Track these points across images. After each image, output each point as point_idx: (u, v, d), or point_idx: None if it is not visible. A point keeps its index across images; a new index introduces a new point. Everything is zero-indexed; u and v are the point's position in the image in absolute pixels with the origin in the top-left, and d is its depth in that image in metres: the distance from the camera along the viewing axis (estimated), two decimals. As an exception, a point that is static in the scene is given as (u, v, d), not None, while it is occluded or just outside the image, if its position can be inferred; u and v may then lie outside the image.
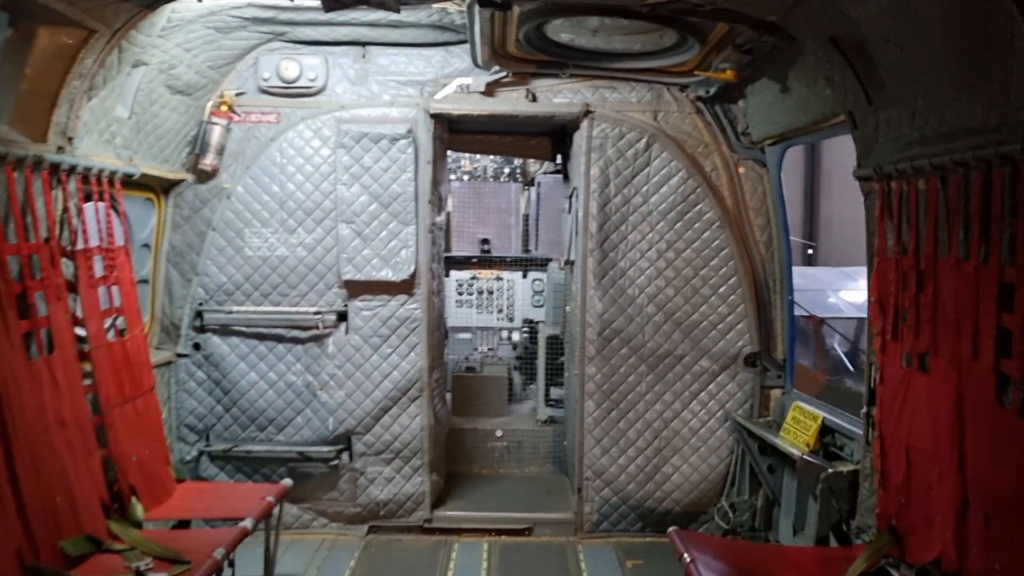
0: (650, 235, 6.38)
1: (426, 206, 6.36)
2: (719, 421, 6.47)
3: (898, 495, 4.04)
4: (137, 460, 4.90)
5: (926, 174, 3.70)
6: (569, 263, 6.96)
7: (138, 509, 4.76)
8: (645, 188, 6.37)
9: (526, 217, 9.56)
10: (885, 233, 4.13)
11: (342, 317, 6.42)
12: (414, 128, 6.27)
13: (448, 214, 9.51)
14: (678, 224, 6.37)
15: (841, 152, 18.08)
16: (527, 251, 9.74)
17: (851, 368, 14.25)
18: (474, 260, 9.51)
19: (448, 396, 8.20)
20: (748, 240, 6.39)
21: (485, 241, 9.52)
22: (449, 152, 8.80)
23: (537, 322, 9.24)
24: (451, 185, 9.41)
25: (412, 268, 6.31)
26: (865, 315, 12.24)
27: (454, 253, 9.62)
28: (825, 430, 5.42)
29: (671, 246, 6.37)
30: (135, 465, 4.87)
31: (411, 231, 6.30)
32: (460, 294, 9.62)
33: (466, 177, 9.01)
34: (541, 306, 9.53)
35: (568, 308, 7.51)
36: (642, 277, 6.40)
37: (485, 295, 9.59)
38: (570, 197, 6.90)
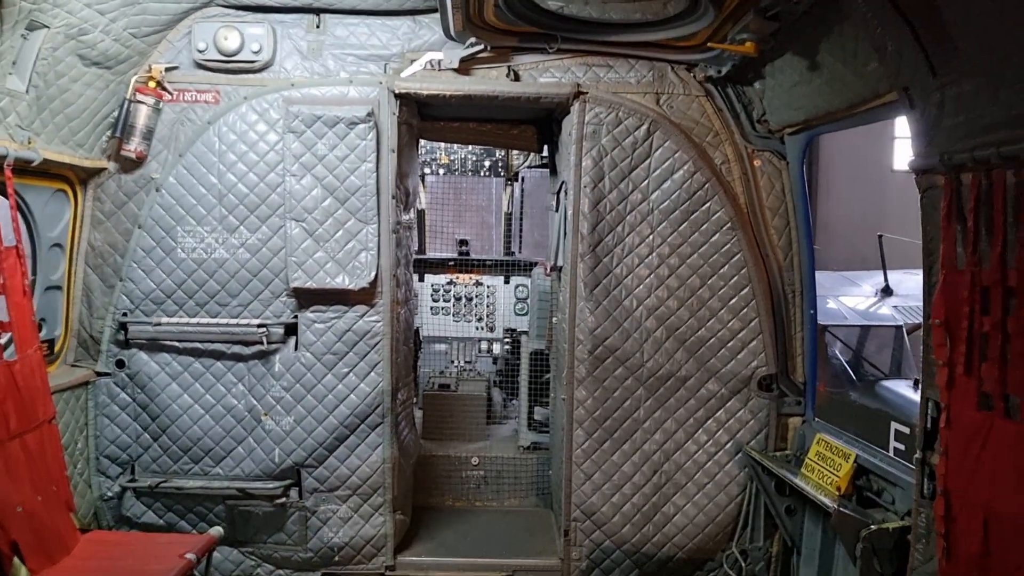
0: (650, 238, 5.56)
1: (389, 201, 5.50)
2: (729, 454, 5.65)
3: (970, 571, 3.22)
4: (24, 510, 4.03)
5: (1017, 164, 2.88)
6: (556, 269, 6.12)
7: (21, 572, 3.88)
8: (645, 183, 5.54)
9: (509, 216, 8.71)
10: (954, 239, 3.30)
11: (291, 331, 5.56)
12: (376, 111, 5.41)
13: (421, 212, 8.65)
14: (683, 225, 5.54)
15: (841, 146, 17.32)
16: (510, 253, 8.90)
17: (854, 379, 13.51)
18: (451, 263, 8.66)
19: (419, 414, 7.35)
20: (764, 244, 5.58)
21: (463, 242, 8.68)
22: (423, 142, 7.96)
23: (521, 332, 8.40)
24: (425, 179, 8.55)
25: (372, 274, 5.46)
26: (868, 323, 11.39)
27: (429, 255, 8.77)
28: (859, 468, 4.62)
29: (675, 251, 5.55)
30: (20, 517, 3.99)
31: (372, 231, 5.44)
32: (435, 301, 8.77)
33: (442, 171, 8.16)
34: (525, 314, 8.68)
35: (555, 320, 6.67)
36: (641, 287, 5.57)
37: (463, 302, 8.75)
38: (557, 193, 6.06)
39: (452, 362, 8.51)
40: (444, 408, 7.30)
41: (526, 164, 8.18)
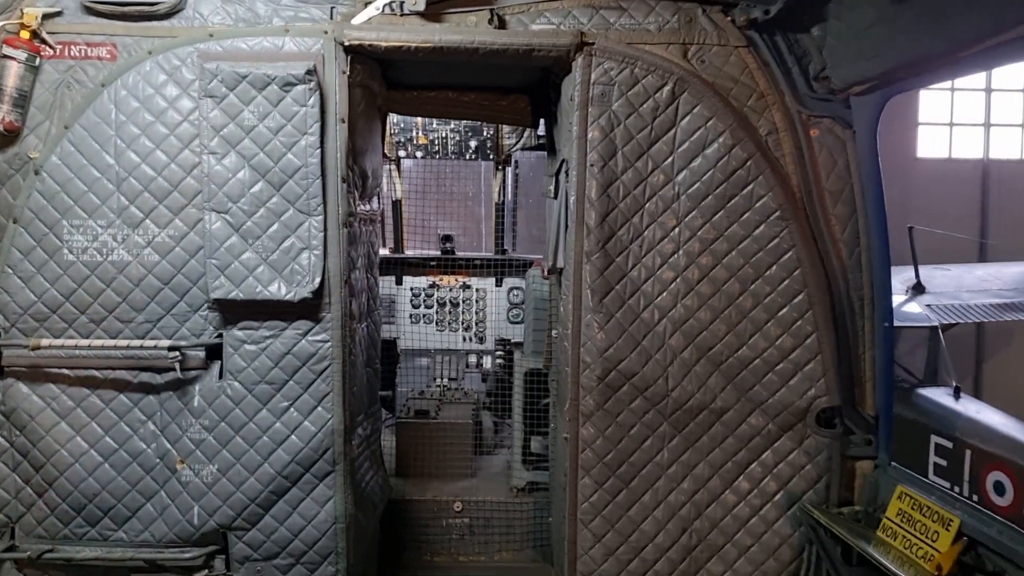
0: (676, 231, 4.36)
1: (339, 186, 4.31)
2: (779, 507, 4.45)
3: None
4: None
5: None
6: (556, 271, 4.90)
7: None
8: (669, 161, 4.34)
9: (500, 206, 7.49)
10: None
11: (214, 354, 4.38)
12: (319, 68, 4.21)
13: (396, 204, 7.44)
14: (718, 215, 4.34)
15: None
16: (502, 251, 7.69)
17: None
18: (433, 263, 7.45)
19: (392, 443, 6.15)
20: (823, 238, 4.38)
21: (447, 238, 7.47)
22: (396, 120, 6.75)
23: (516, 344, 7.20)
24: (400, 164, 7.33)
25: (317, 280, 4.27)
26: (899, 323, 10.21)
27: (407, 254, 7.57)
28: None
29: (707, 248, 4.35)
30: None
31: (316, 224, 4.25)
32: (415, 307, 7.55)
33: (419, 154, 6.97)
34: (520, 322, 7.47)
35: (555, 334, 5.47)
36: (664, 294, 4.37)
37: (448, 308, 7.54)
38: (556, 175, 4.85)
39: (435, 379, 7.30)
40: (422, 440, 6.10)
41: (519, 144, 6.95)
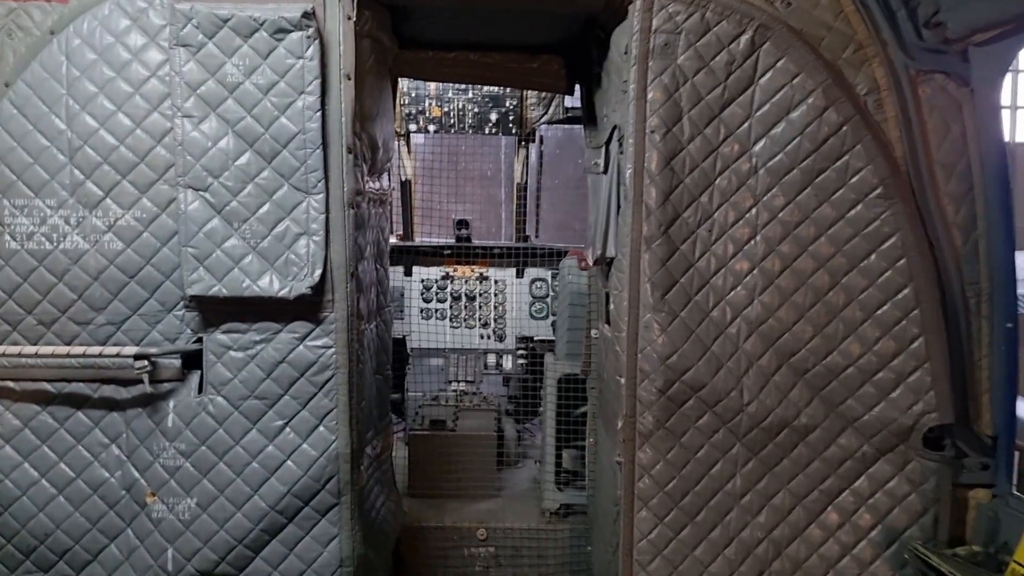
0: (753, 212, 3.60)
1: (344, 158, 3.55)
2: (876, 545, 3.70)
3: None
4: None
5: None
6: (603, 262, 4.12)
7: None
8: (745, 127, 3.58)
9: (522, 188, 6.71)
10: None
11: (192, 363, 3.63)
12: (319, 12, 3.43)
13: (405, 184, 6.66)
14: (804, 193, 3.58)
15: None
16: (523, 238, 6.93)
17: None
18: (447, 252, 6.70)
19: (402, 458, 5.42)
20: (933, 222, 3.60)
21: (463, 224, 6.72)
22: (407, 86, 5.96)
23: (539, 342, 6.46)
24: (410, 139, 6.55)
25: (317, 273, 3.51)
26: None
27: (417, 242, 6.80)
28: None
29: (791, 232, 3.60)
30: None
31: (316, 205, 3.50)
32: (427, 301, 6.82)
33: (432, 128, 6.19)
34: (544, 318, 6.74)
35: (594, 334, 4.72)
36: (739, 289, 3.62)
37: (463, 302, 6.81)
38: (605, 146, 4.06)
39: (449, 382, 6.54)
40: (438, 455, 5.35)
41: (546, 117, 6.16)
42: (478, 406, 6.01)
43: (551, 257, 6.48)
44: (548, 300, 6.82)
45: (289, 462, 3.63)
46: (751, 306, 3.64)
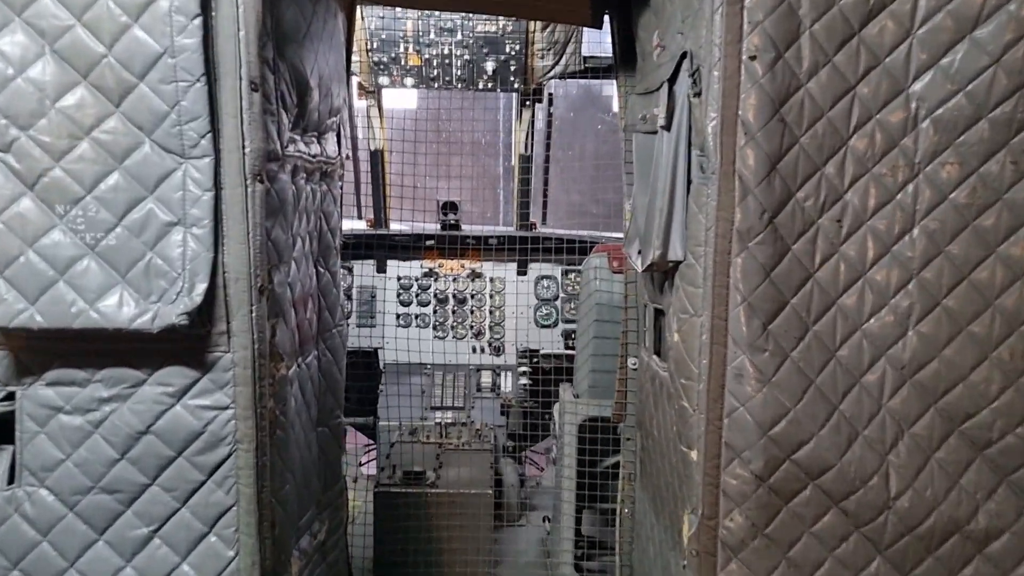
0: (910, 191, 2.27)
1: (244, 99, 2.16)
2: None
3: None
4: None
5: None
6: (665, 267, 2.67)
7: None
8: (901, 51, 2.22)
9: (526, 160, 5.31)
10: None
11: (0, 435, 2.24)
12: None
13: (376, 154, 5.25)
14: (994, 160, 2.22)
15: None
16: (526, 225, 5.54)
17: None
18: (430, 243, 5.33)
19: (365, 512, 4.09)
20: None
21: (449, 207, 5.35)
22: (374, 20, 4.56)
23: (544, 355, 5.14)
24: (381, 96, 5.14)
25: (201, 288, 2.16)
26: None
27: (392, 230, 5.43)
28: None
29: (970, 223, 2.24)
30: None
31: (196, 177, 2.14)
32: (405, 304, 5.47)
33: (410, 81, 4.78)
34: (552, 325, 5.39)
35: (632, 364, 3.37)
36: (884, 314, 2.30)
37: (451, 306, 5.46)
38: (668, 87, 2.60)
39: (432, 408, 5.17)
40: (414, 520, 3.98)
41: (557, 68, 4.75)
42: (468, 444, 4.66)
43: (562, 250, 5.10)
44: (558, 303, 5.47)
45: (159, 597, 2.27)
46: (902, 341, 2.29)
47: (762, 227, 2.22)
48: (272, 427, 2.36)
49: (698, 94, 2.32)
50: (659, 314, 2.94)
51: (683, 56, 2.43)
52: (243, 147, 2.17)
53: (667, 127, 2.53)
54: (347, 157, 3.38)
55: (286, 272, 2.48)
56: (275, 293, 2.36)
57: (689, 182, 2.43)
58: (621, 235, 4.48)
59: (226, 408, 2.24)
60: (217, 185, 2.16)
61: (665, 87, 2.55)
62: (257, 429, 2.27)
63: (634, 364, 3.38)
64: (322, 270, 3.02)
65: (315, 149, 2.80)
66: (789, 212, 2.24)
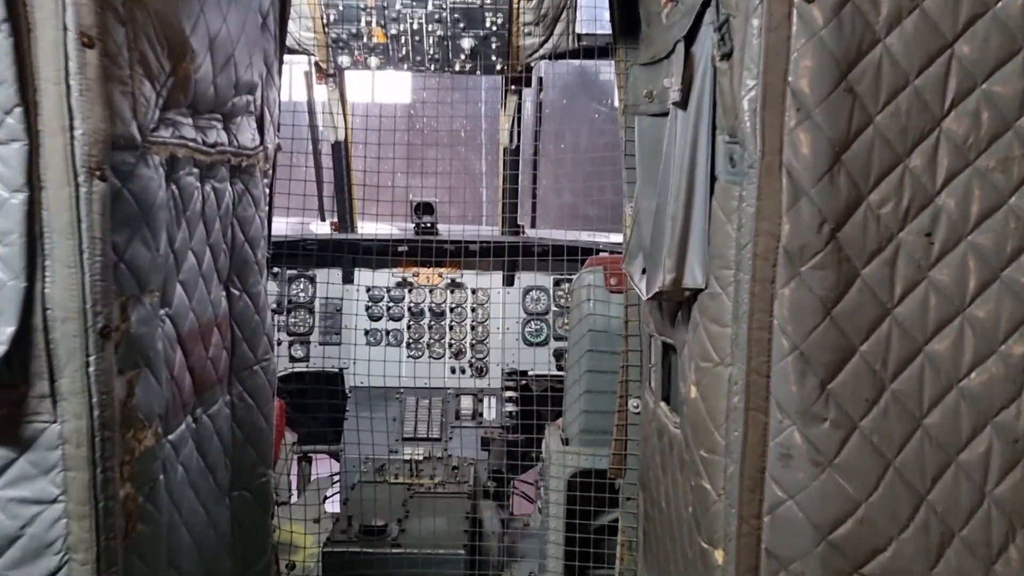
0: (1028, 192, 1.56)
1: (79, 59, 1.51)
2: None
3: None
4: None
5: None
6: (679, 295, 1.98)
7: None
8: (1019, -7, 1.53)
9: (512, 153, 4.64)
10: None
11: None
12: None
13: (338, 146, 4.59)
14: None
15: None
16: (514, 229, 4.88)
17: None
18: (402, 249, 4.67)
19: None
20: None
21: (424, 208, 4.68)
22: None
23: (534, 376, 4.52)
24: (343, 79, 4.47)
25: (7, 332, 1.46)
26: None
27: (360, 234, 4.79)
28: None
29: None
30: None
31: (0, 170, 1.44)
32: (375, 319, 4.82)
33: (375, 61, 4.07)
34: (543, 343, 4.75)
35: (633, 406, 2.70)
36: (990, 364, 1.63)
37: (426, 321, 4.81)
38: (683, 46, 1.92)
39: (400, 440, 4.51)
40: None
41: (547, 47, 4.06)
42: (443, 484, 4.00)
43: (553, 257, 4.44)
44: (549, 318, 4.81)
45: None
46: (1016, 405, 1.62)
47: (820, 244, 1.55)
48: (130, 522, 1.69)
49: (727, 55, 1.65)
50: (669, 349, 2.28)
51: (705, 4, 1.76)
52: (70, 128, 1.51)
53: (682, 104, 1.85)
54: (278, 148, 2.71)
55: (157, 303, 1.81)
56: (132, 335, 1.69)
57: (713, 179, 1.76)
58: (621, 240, 3.83)
59: (53, 502, 1.58)
60: (33, 184, 1.50)
61: (680, 49, 1.88)
62: (99, 531, 1.60)
63: (636, 407, 2.71)
64: (236, 292, 2.35)
65: (217, 137, 2.13)
66: (859, 223, 1.57)
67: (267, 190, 2.62)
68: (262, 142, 2.49)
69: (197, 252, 2.06)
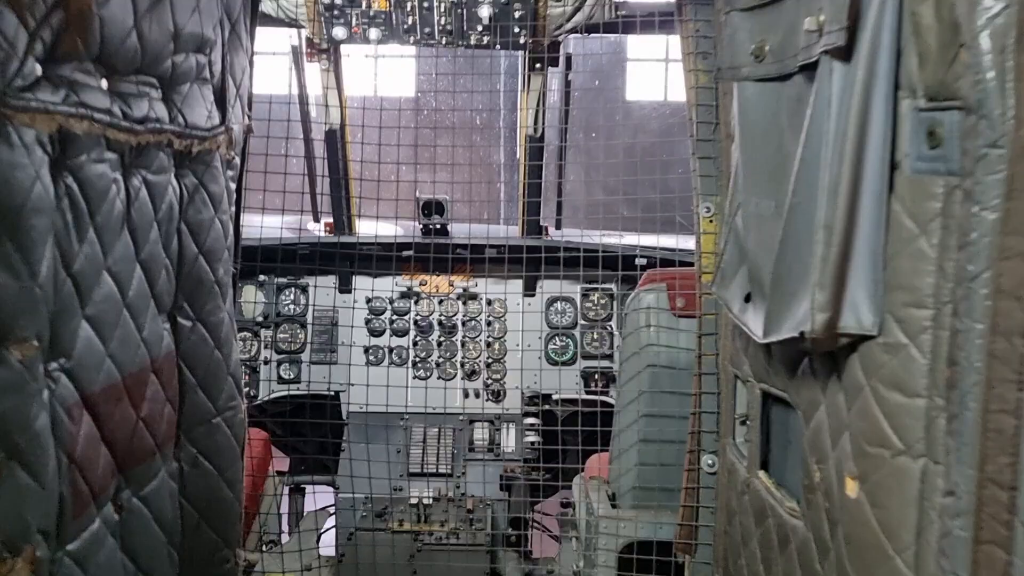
0: None
1: None
2: None
3: None
4: None
5: None
6: (829, 344, 1.34)
7: None
8: None
9: (536, 142, 4.04)
10: None
11: None
12: None
13: (333, 134, 3.99)
14: None
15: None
16: (536, 231, 4.30)
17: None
18: (407, 254, 4.09)
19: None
20: None
21: (434, 207, 4.09)
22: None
23: (566, 401, 3.96)
24: (340, 58, 3.86)
25: None
26: None
27: (360, 237, 4.23)
28: None
29: None
30: None
31: None
32: (376, 334, 4.25)
33: (375, 35, 3.45)
34: (570, 361, 4.17)
35: (708, 464, 2.07)
36: None
37: (435, 336, 4.23)
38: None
39: (405, 476, 3.91)
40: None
41: (578, 18, 3.44)
42: (456, 533, 3.40)
43: (585, 267, 3.84)
44: (576, 333, 4.21)
45: None
46: None
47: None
48: None
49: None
50: (769, 399, 1.67)
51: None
52: None
53: (845, 51, 1.23)
54: (248, 131, 2.10)
55: (38, 356, 1.21)
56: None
57: (893, 168, 1.15)
58: (672, 247, 3.21)
59: None
60: None
61: None
62: None
63: (712, 466, 2.10)
64: (187, 322, 1.75)
65: (149, 110, 1.52)
66: None
67: (233, 185, 2.01)
68: (223, 121, 1.88)
69: (118, 273, 1.46)
